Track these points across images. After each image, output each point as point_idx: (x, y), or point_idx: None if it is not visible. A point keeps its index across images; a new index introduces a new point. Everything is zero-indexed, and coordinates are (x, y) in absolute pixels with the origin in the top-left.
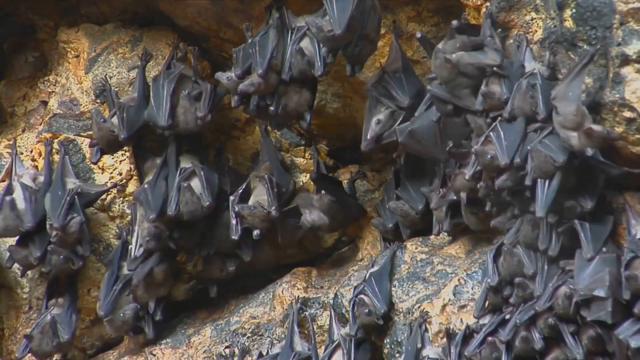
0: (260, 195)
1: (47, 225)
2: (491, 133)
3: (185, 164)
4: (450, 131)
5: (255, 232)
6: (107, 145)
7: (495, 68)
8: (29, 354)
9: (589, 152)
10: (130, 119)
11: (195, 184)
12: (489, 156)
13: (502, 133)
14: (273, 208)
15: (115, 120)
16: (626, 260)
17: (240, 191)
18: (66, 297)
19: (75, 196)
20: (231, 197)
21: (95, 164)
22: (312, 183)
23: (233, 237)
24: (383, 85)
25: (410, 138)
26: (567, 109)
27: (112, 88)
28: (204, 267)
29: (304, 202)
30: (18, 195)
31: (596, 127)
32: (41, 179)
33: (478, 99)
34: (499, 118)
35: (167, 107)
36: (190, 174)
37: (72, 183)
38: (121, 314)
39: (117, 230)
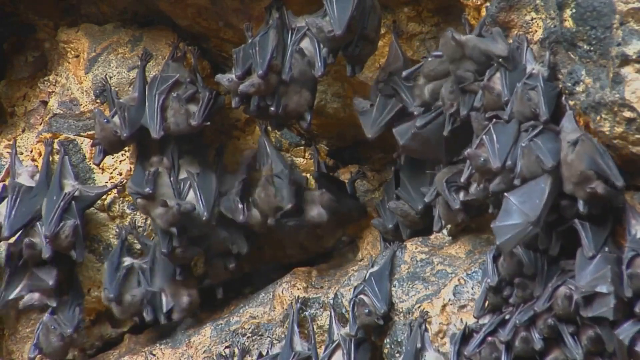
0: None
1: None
2: (484, 136)
3: (182, 173)
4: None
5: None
6: (110, 146)
7: (501, 60)
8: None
9: (582, 206)
10: (131, 118)
11: (191, 196)
12: (482, 159)
13: (495, 136)
14: (290, 205)
15: (116, 119)
16: (628, 259)
17: (244, 177)
18: (70, 294)
19: (72, 200)
20: (232, 190)
21: (98, 165)
22: (313, 182)
23: (240, 218)
24: (392, 87)
25: (413, 140)
26: (578, 162)
27: (112, 88)
28: (210, 271)
29: (306, 199)
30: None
31: (601, 190)
32: (38, 177)
33: (478, 94)
34: (494, 120)
35: (159, 119)
36: (188, 187)
37: (70, 186)
38: (129, 297)
39: (116, 230)
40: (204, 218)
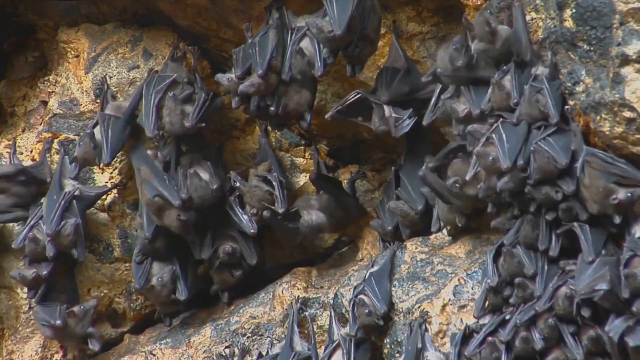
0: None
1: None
2: (493, 135)
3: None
4: None
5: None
6: (87, 164)
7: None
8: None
9: (617, 220)
10: (114, 138)
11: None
12: (491, 158)
13: (504, 135)
14: (282, 210)
15: (98, 134)
16: (625, 259)
17: (238, 193)
18: (67, 298)
19: (73, 199)
20: (230, 197)
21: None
22: (311, 184)
23: (251, 231)
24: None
25: None
26: (596, 181)
27: (109, 89)
28: (218, 277)
29: (303, 204)
30: None
31: (621, 196)
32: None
33: (487, 96)
34: (501, 119)
35: (154, 118)
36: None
37: (70, 185)
38: (159, 279)
39: (118, 231)
40: (183, 218)
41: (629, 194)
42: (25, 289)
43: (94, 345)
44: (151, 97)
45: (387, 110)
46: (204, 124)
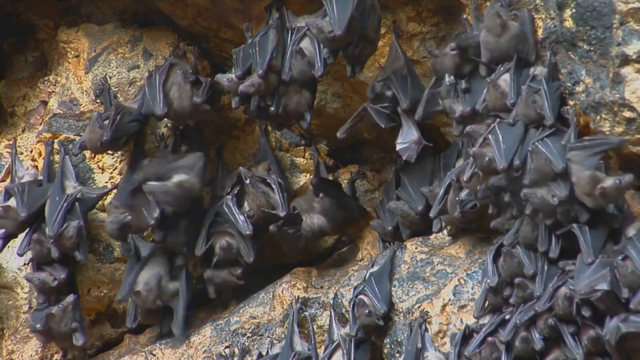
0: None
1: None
2: (489, 135)
3: None
4: None
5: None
6: (93, 149)
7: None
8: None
9: (611, 209)
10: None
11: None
12: (487, 159)
13: (500, 136)
14: (284, 213)
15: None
16: (619, 260)
17: (236, 191)
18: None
19: (76, 201)
20: (228, 196)
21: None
22: (310, 184)
23: (247, 232)
24: (386, 84)
25: None
26: (581, 173)
27: (111, 89)
28: (217, 279)
29: (304, 207)
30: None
31: (608, 184)
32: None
33: (483, 95)
34: (497, 120)
35: (161, 96)
36: None
37: (71, 187)
38: (146, 284)
39: None
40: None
41: (617, 181)
42: (26, 289)
43: (76, 340)
44: (155, 79)
45: (418, 135)
46: (209, 107)
